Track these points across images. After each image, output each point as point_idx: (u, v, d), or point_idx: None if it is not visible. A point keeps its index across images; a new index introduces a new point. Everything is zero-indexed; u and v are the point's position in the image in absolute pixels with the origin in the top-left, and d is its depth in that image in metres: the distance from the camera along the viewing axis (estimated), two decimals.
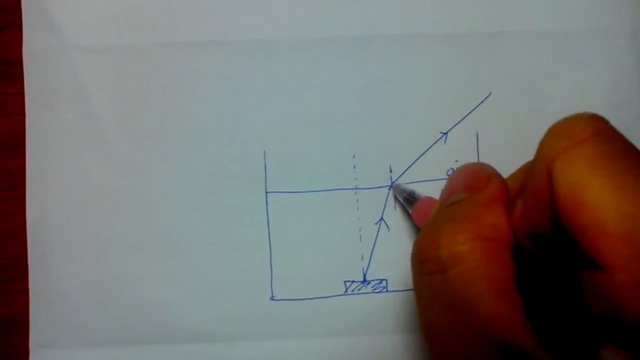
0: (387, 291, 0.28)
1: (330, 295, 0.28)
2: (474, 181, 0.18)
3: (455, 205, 0.18)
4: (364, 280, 0.28)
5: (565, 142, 0.16)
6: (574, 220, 0.15)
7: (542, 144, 0.17)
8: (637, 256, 0.14)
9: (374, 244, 0.28)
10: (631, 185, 0.14)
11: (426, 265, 0.16)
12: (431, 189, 0.28)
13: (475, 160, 0.29)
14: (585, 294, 0.15)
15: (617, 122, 0.28)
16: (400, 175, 0.29)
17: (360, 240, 0.28)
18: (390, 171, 0.29)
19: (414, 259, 0.17)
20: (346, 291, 0.28)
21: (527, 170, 0.18)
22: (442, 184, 0.28)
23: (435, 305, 0.16)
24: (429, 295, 0.17)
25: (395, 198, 0.28)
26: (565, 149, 0.15)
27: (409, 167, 0.29)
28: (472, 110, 0.29)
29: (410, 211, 0.27)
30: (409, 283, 0.28)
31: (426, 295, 0.17)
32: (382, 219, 0.28)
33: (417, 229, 0.28)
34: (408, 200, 0.27)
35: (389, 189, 0.29)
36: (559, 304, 0.17)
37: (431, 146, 0.29)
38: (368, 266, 0.28)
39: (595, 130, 0.16)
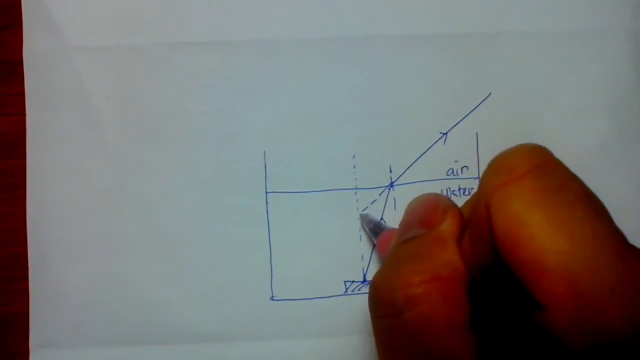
0: None
1: (330, 295, 0.28)
2: (429, 215, 0.18)
3: (410, 243, 0.18)
4: (364, 280, 0.28)
5: (502, 177, 0.15)
6: (512, 258, 0.14)
7: (482, 178, 0.16)
8: (574, 295, 0.13)
9: (374, 244, 0.28)
10: (567, 222, 0.14)
11: (382, 308, 0.16)
12: (431, 189, 0.28)
13: (475, 160, 0.29)
14: (532, 328, 0.15)
15: (617, 122, 0.29)
16: (400, 175, 0.29)
17: (360, 240, 0.28)
18: (390, 171, 0.29)
19: (370, 301, 0.17)
20: (346, 291, 0.28)
21: (473, 202, 0.18)
22: (442, 184, 0.29)
23: (392, 347, 0.16)
24: (386, 337, 0.17)
25: (362, 228, 0.28)
26: (503, 185, 0.15)
27: (409, 167, 0.29)
28: (472, 110, 0.29)
29: (375, 242, 0.27)
30: None
31: (383, 338, 0.17)
32: (382, 219, 0.28)
33: None
34: (374, 231, 0.27)
35: (389, 188, 0.29)
36: (515, 334, 0.17)
37: (431, 146, 0.29)
38: (368, 266, 0.28)
39: (533, 165, 0.15)
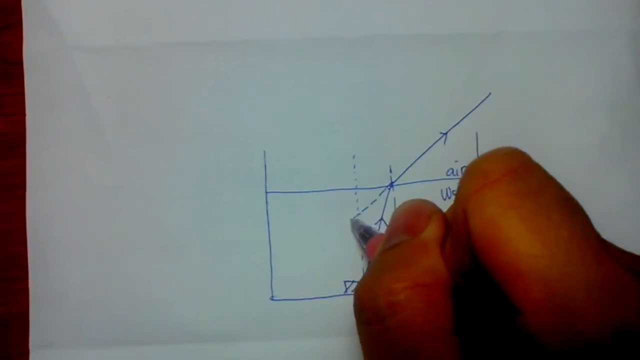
0: None
1: (330, 295, 0.28)
2: (413, 221, 0.18)
3: (393, 250, 0.18)
4: None
5: (478, 182, 0.15)
6: (489, 262, 0.14)
7: (459, 183, 0.16)
8: (550, 299, 0.13)
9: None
10: (543, 226, 0.14)
11: (365, 314, 0.16)
12: (431, 189, 0.28)
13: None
14: (513, 331, 0.15)
15: (617, 121, 0.29)
16: (400, 175, 0.29)
17: None
18: (390, 171, 0.29)
19: (355, 307, 0.17)
20: (346, 291, 0.28)
21: (453, 208, 0.18)
22: (442, 184, 0.29)
23: (376, 353, 0.16)
24: (370, 344, 0.16)
25: (353, 233, 0.28)
26: (478, 190, 0.15)
27: (409, 167, 0.29)
28: (472, 110, 0.29)
29: (364, 247, 0.27)
30: None
31: (367, 344, 0.17)
32: (382, 219, 0.28)
33: None
34: (363, 237, 0.27)
35: (389, 188, 0.29)
36: (498, 337, 0.17)
37: (431, 146, 0.29)
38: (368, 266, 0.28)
39: (509, 169, 0.15)
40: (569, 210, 0.15)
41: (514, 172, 0.15)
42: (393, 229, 0.19)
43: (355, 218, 0.28)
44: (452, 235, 0.17)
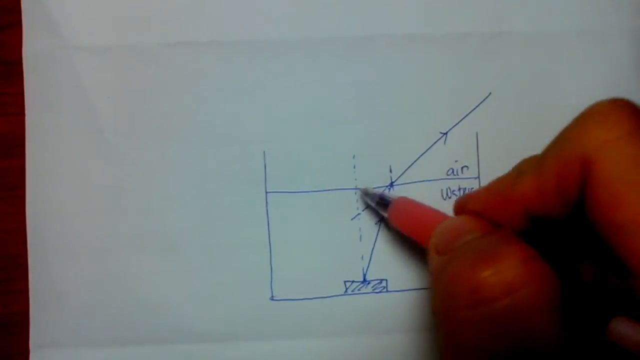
0: (387, 291, 0.28)
1: (330, 295, 0.28)
2: (485, 226, 0.18)
3: (478, 240, 0.17)
4: (364, 280, 0.28)
5: (606, 133, 0.15)
6: (608, 217, 0.14)
7: (577, 128, 0.16)
8: None
9: (374, 244, 0.28)
10: None
11: (467, 298, 0.15)
12: (431, 189, 0.28)
13: (475, 159, 0.29)
14: (602, 279, 0.14)
15: None
16: (401, 175, 0.29)
17: (360, 240, 0.28)
18: (390, 171, 0.29)
19: (449, 293, 0.16)
20: (346, 291, 0.28)
21: (535, 160, 0.17)
22: (442, 184, 0.29)
23: (477, 337, 0.16)
24: (471, 328, 0.16)
25: (365, 202, 0.28)
26: (607, 142, 0.15)
27: (409, 167, 0.29)
28: (472, 110, 0.29)
29: (385, 214, 0.27)
30: (409, 283, 0.28)
31: (466, 330, 0.16)
32: (382, 218, 0.28)
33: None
34: (381, 204, 0.27)
35: (389, 188, 0.29)
36: (574, 274, 0.16)
37: (431, 146, 0.29)
38: (368, 266, 0.28)
39: (637, 124, 0.15)
40: None
41: None
42: (451, 235, 0.18)
43: (364, 187, 0.28)
44: (549, 180, 0.16)
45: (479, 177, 0.29)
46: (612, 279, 0.14)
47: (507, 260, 0.15)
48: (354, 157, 0.29)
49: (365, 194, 0.28)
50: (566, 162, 0.15)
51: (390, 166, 0.29)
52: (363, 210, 0.28)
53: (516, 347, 0.15)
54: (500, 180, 0.18)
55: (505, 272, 0.15)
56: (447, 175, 0.29)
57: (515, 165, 0.18)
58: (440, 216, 0.22)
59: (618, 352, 0.15)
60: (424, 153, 0.29)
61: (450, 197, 0.28)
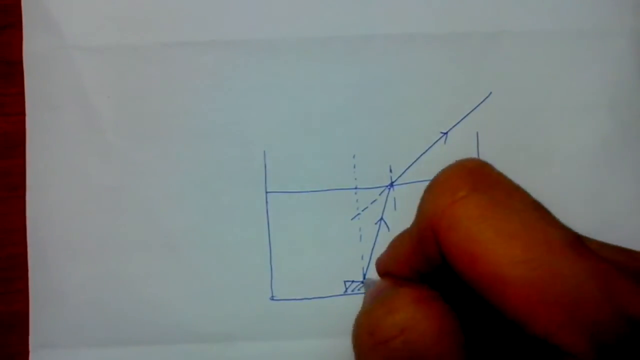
0: None
1: (330, 295, 0.28)
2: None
3: (376, 290, 0.18)
4: (364, 280, 0.28)
5: (446, 199, 0.15)
6: (473, 277, 0.14)
7: (423, 202, 0.16)
8: (540, 299, 0.14)
9: (374, 244, 0.28)
10: (518, 231, 0.14)
11: (379, 333, 0.16)
12: None
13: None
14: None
15: (618, 121, 0.29)
16: (401, 175, 0.29)
17: (360, 240, 0.28)
18: (390, 171, 0.29)
19: (362, 332, 0.17)
20: (346, 291, 0.28)
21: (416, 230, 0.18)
22: None
23: None
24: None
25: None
26: (448, 207, 0.15)
27: (409, 167, 0.29)
28: (472, 110, 0.29)
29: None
30: None
31: None
32: (382, 218, 0.28)
33: None
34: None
35: (389, 188, 0.29)
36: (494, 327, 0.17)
37: (431, 146, 0.29)
38: (368, 266, 0.28)
39: (475, 182, 0.15)
40: (540, 213, 0.15)
41: (481, 183, 0.15)
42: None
43: (369, 279, 0.28)
44: (415, 254, 0.17)
45: None
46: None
47: (399, 301, 0.16)
48: (354, 157, 0.29)
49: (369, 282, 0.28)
50: (421, 232, 0.16)
51: (390, 166, 0.29)
52: (363, 210, 0.28)
53: None
54: (399, 239, 0.19)
55: (398, 311, 0.16)
56: None
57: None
58: None
59: None
60: (424, 153, 0.29)
61: None
